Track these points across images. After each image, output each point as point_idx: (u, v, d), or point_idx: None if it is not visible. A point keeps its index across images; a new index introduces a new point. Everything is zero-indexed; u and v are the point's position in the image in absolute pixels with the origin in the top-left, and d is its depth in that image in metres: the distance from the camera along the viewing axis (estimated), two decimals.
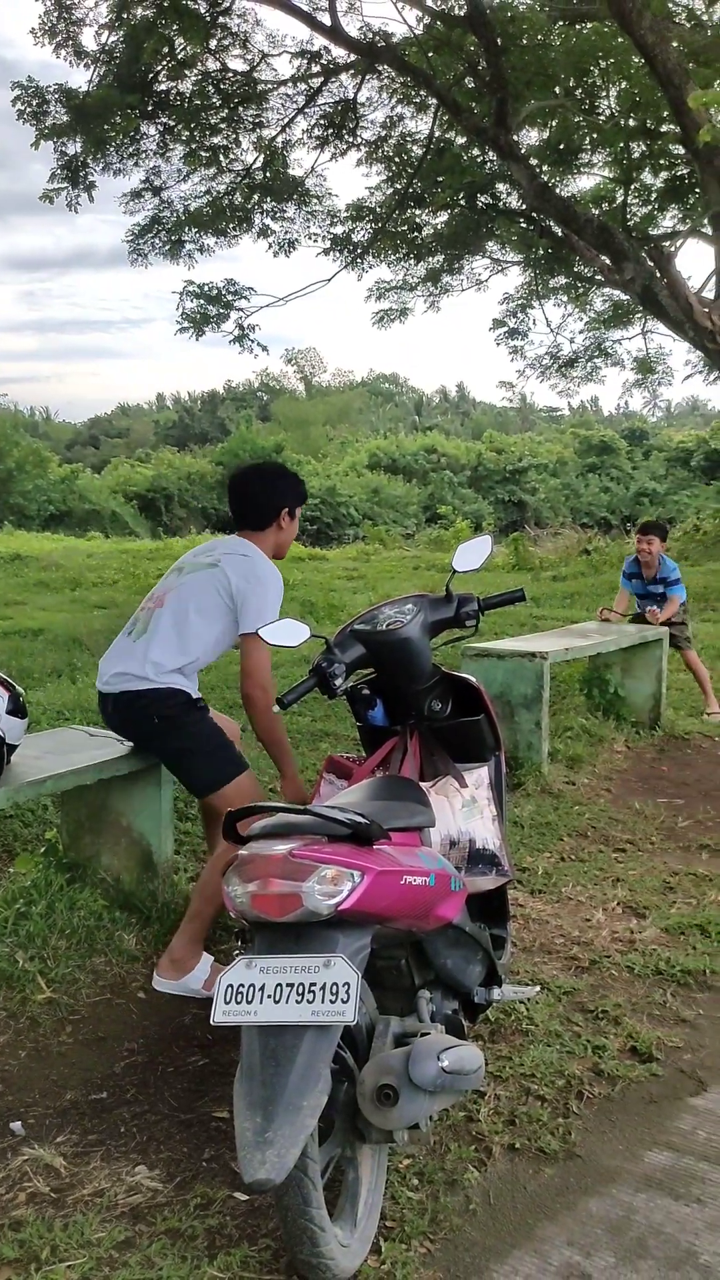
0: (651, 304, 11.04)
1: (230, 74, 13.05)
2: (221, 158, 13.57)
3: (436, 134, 13.62)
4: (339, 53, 12.79)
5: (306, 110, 13.50)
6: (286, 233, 14.35)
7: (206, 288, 13.79)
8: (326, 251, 14.61)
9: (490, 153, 12.70)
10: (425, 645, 3.02)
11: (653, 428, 51.70)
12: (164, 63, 12.30)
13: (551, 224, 13.11)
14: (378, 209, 14.54)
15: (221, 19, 12.34)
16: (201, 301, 13.78)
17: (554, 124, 13.41)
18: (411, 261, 15.58)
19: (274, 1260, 2.25)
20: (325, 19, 11.93)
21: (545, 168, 13.59)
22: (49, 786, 3.51)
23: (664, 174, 14.07)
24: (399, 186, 14.23)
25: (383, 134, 14.02)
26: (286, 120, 13.54)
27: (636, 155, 13.31)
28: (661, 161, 13.68)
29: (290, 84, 13.26)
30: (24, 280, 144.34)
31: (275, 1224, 2.32)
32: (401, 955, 2.55)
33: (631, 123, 12.90)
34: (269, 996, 2.08)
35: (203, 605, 3.49)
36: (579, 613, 10.82)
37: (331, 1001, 2.06)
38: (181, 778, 3.66)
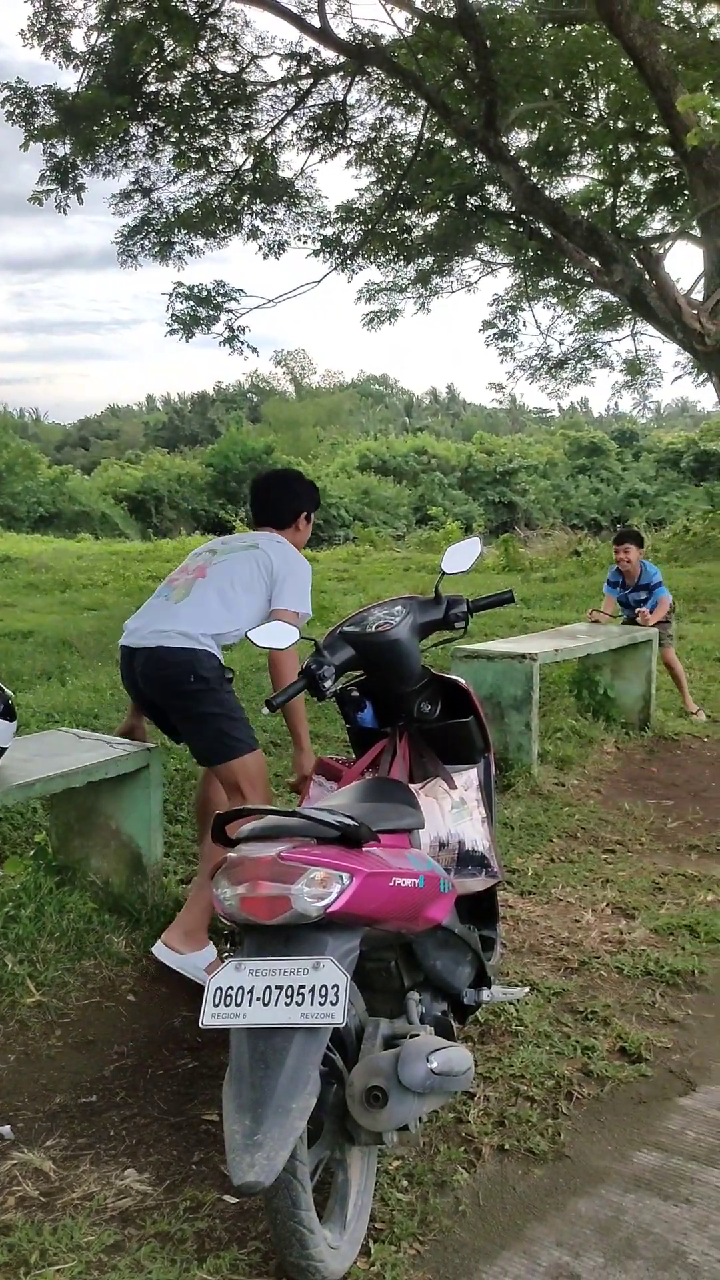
0: (640, 306, 11.08)
1: (220, 75, 13.06)
2: (211, 159, 13.58)
3: (426, 136, 13.65)
4: (328, 54, 12.81)
5: (296, 112, 13.52)
6: (276, 234, 14.38)
7: (196, 289, 13.80)
8: (316, 253, 14.63)
9: (479, 155, 12.73)
10: (414, 647, 3.03)
11: (642, 429, 51.81)
12: (153, 64, 12.31)
13: (541, 226, 13.14)
14: (367, 210, 14.56)
15: (211, 20, 12.35)
16: (191, 303, 13.78)
17: (543, 126, 13.45)
18: (401, 263, 15.61)
19: (263, 1263, 2.25)
20: (314, 21, 11.95)
21: (534, 170, 13.63)
22: (38, 789, 3.50)
23: (653, 176, 14.13)
24: (389, 188, 14.25)
25: (372, 136, 14.05)
26: (276, 122, 13.56)
27: (625, 157, 13.37)
28: (650, 163, 13.74)
29: (280, 86, 13.28)
30: (14, 281, 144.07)
31: (265, 1226, 2.32)
32: (391, 957, 2.55)
33: (620, 125, 12.95)
34: (258, 999, 2.08)
35: (246, 581, 3.64)
36: (569, 614, 10.83)
37: (320, 1004, 2.06)
38: (200, 742, 3.60)
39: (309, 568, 3.76)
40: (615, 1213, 2.46)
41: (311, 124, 13.70)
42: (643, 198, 14.60)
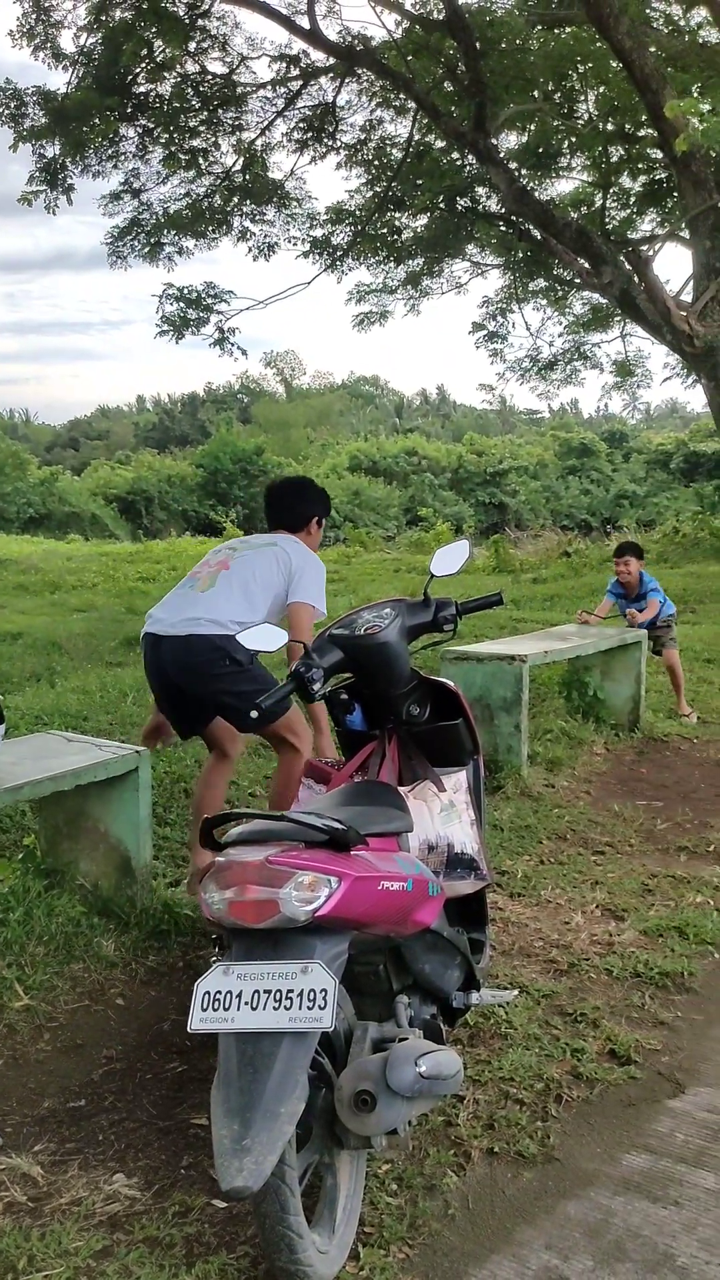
0: (630, 307, 11.10)
1: (209, 77, 13.05)
2: (201, 160, 13.57)
3: (416, 137, 13.65)
4: (318, 56, 12.81)
5: (286, 113, 13.52)
6: (266, 236, 14.37)
7: (186, 291, 13.77)
8: (306, 254, 14.62)
9: (469, 156, 12.73)
10: (403, 650, 3.02)
11: (632, 430, 51.91)
12: (143, 65, 12.29)
13: (530, 227, 13.15)
14: (357, 212, 14.57)
15: (200, 22, 12.34)
16: (181, 305, 13.76)
17: (533, 128, 13.48)
18: (391, 264, 15.61)
19: (252, 1268, 2.25)
20: (304, 22, 11.95)
21: (524, 171, 13.65)
22: (26, 793, 3.49)
23: (642, 178, 14.17)
24: (379, 190, 14.26)
25: (362, 137, 14.06)
26: (266, 123, 13.55)
27: (615, 159, 13.40)
28: (640, 165, 13.77)
29: (269, 87, 13.27)
30: (3, 282, 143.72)
31: (253, 1231, 2.31)
32: (379, 960, 2.55)
33: (610, 127, 12.98)
34: (246, 1003, 2.08)
35: (265, 577, 3.86)
36: (559, 615, 10.85)
37: (309, 1008, 2.06)
38: (242, 716, 3.70)
39: (324, 567, 3.99)
40: (604, 1215, 2.46)
41: (301, 125, 13.70)
42: (632, 200, 14.63)
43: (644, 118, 11.67)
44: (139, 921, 3.77)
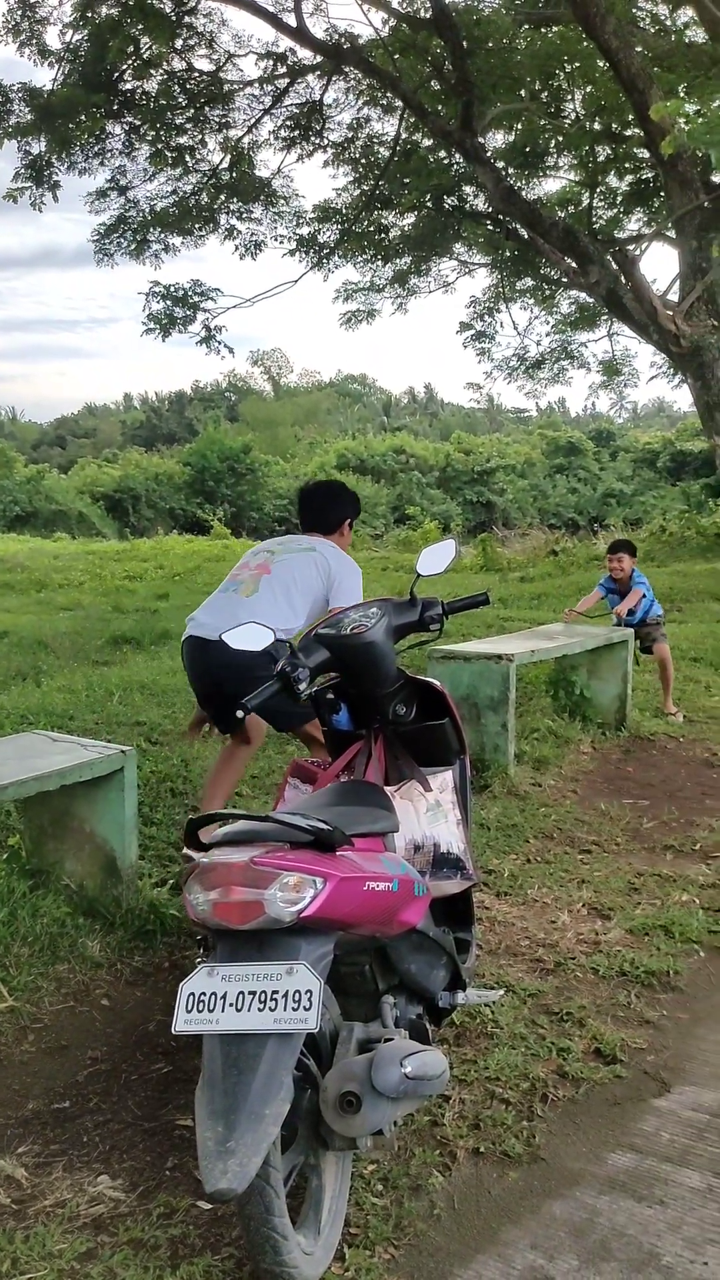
0: (616, 307, 11.12)
1: (196, 74, 13.01)
2: (188, 158, 13.54)
3: (403, 136, 13.65)
4: (305, 54, 12.79)
5: (273, 111, 13.50)
6: (253, 234, 14.35)
7: (173, 289, 13.74)
8: (292, 252, 14.60)
9: (456, 155, 12.73)
10: (389, 649, 3.02)
11: (619, 429, 52.05)
12: (129, 62, 12.25)
13: (518, 227, 13.16)
14: (344, 210, 14.56)
15: (187, 19, 12.30)
16: (168, 302, 13.73)
17: (520, 127, 13.49)
18: (379, 263, 15.61)
19: (237, 1269, 2.24)
20: (290, 20, 11.93)
21: (511, 170, 13.66)
22: (11, 793, 3.47)
23: (629, 177, 14.19)
24: (366, 188, 14.25)
25: (349, 136, 14.04)
26: (253, 121, 13.53)
27: (602, 159, 13.42)
28: (626, 165, 13.80)
29: (257, 85, 13.25)
30: None
31: (238, 1233, 2.30)
32: (365, 961, 2.54)
33: (597, 126, 13.00)
34: (231, 1005, 2.07)
35: (306, 581, 3.97)
36: (546, 614, 10.86)
37: (294, 1009, 2.05)
38: (282, 718, 3.96)
39: (360, 570, 4.09)
40: (589, 1215, 2.46)
41: (288, 123, 13.69)
42: (619, 199, 14.66)
43: (631, 117, 11.68)
44: (124, 922, 3.76)
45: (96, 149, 13.03)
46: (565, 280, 13.29)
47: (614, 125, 12.97)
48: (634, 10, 11.21)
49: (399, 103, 12.69)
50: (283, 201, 14.22)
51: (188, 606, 12.76)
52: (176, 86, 12.99)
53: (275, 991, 2.07)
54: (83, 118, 12.24)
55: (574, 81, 12.76)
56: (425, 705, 3.10)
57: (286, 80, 13.22)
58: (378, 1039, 2.34)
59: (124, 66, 12.33)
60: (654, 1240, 2.37)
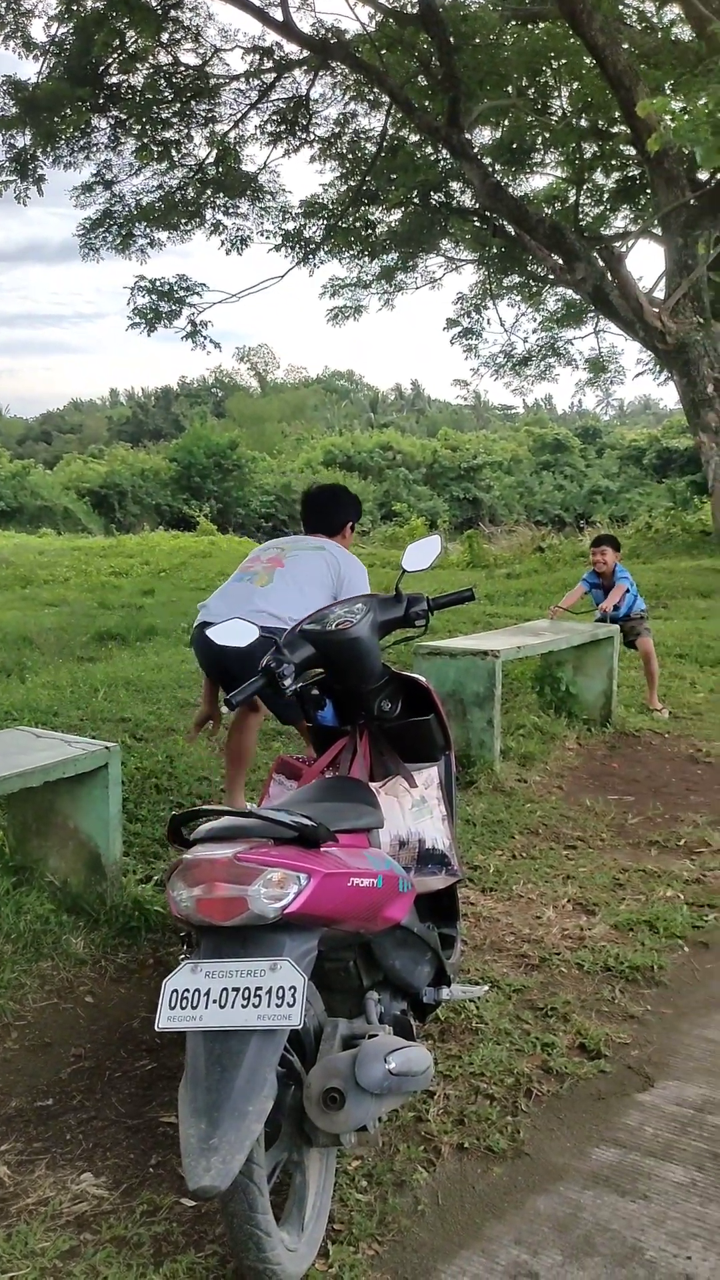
0: (603, 304, 11.14)
1: (182, 68, 12.96)
2: (173, 152, 13.49)
3: (390, 132, 13.63)
4: (292, 49, 12.75)
5: (259, 106, 13.45)
6: (239, 229, 14.31)
7: (158, 283, 13.70)
8: (278, 247, 14.57)
9: (443, 151, 12.72)
10: (375, 645, 3.01)
11: (605, 426, 52.18)
12: (115, 55, 12.20)
13: (504, 223, 13.16)
14: (331, 206, 14.53)
15: (173, 12, 12.25)
16: (153, 297, 13.68)
17: (506, 123, 13.49)
18: (365, 259, 15.59)
19: (220, 1266, 2.24)
20: (277, 14, 11.89)
21: (498, 167, 13.66)
22: None
23: (615, 174, 14.21)
24: (353, 184, 14.22)
25: (336, 131, 14.02)
26: (239, 115, 13.49)
27: (588, 155, 13.43)
28: (613, 162, 13.82)
29: (243, 79, 13.21)
30: None
31: (222, 1229, 2.30)
32: (349, 957, 2.54)
33: (583, 123, 13.00)
34: (214, 1001, 2.06)
35: (318, 577, 4.12)
36: (532, 610, 10.88)
37: (278, 1005, 2.04)
38: (289, 709, 3.86)
39: (365, 569, 4.25)
40: (573, 1210, 2.46)
41: (275, 118, 13.65)
42: (605, 196, 14.68)
43: (617, 114, 11.69)
44: (109, 918, 3.75)
45: (82, 143, 12.97)
46: (552, 277, 13.30)
47: (600, 122, 12.98)
48: (620, 7, 11.22)
49: (386, 98, 12.67)
50: (269, 196, 14.19)
51: (174, 603, 12.77)
52: (162, 80, 12.93)
53: (259, 988, 2.06)
54: (68, 111, 12.18)
55: (561, 78, 12.77)
56: (411, 701, 3.10)
57: (273, 75, 13.18)
58: (362, 1035, 2.34)
59: (109, 60, 12.28)
60: (637, 1235, 2.37)
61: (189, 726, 4.68)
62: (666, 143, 7.95)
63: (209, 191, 13.90)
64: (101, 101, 12.64)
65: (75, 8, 11.78)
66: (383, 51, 12.03)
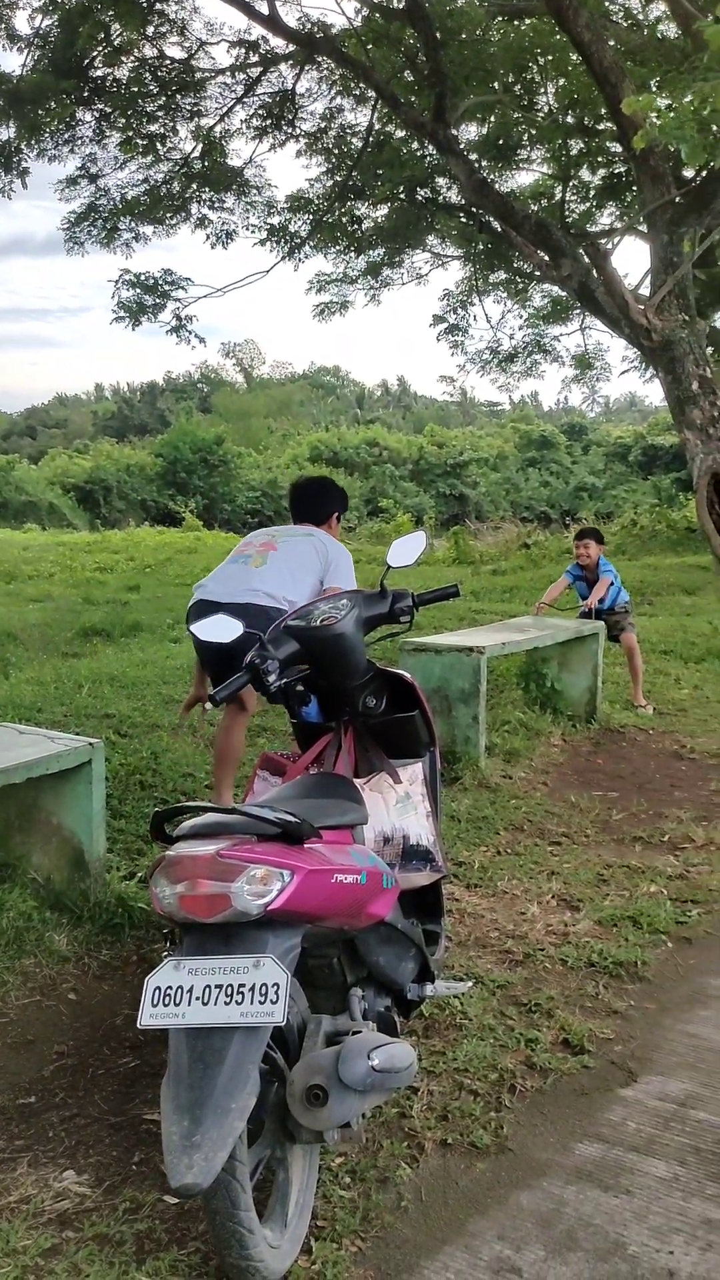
0: (589, 300, 11.12)
1: (168, 61, 12.88)
2: (159, 146, 13.39)
3: (376, 127, 13.58)
4: (277, 43, 12.68)
5: (245, 100, 13.38)
6: (224, 224, 14.23)
7: (143, 277, 13.62)
8: (263, 241, 14.51)
9: (429, 147, 12.69)
10: (359, 641, 3.01)
11: (591, 423, 52.25)
12: (100, 48, 12.09)
13: (491, 219, 13.14)
14: (317, 201, 14.48)
15: (159, 5, 12.17)
16: (138, 291, 13.61)
17: (493, 119, 13.45)
18: (351, 254, 15.54)
19: (203, 1264, 2.23)
20: (263, 8, 11.82)
21: (484, 163, 13.63)
22: None
23: (602, 171, 14.19)
24: (338, 179, 14.17)
25: (322, 125, 13.95)
26: (225, 110, 13.41)
27: (574, 152, 13.41)
28: (599, 159, 13.79)
29: (229, 73, 13.13)
30: None
31: (205, 1227, 2.29)
32: (333, 953, 2.53)
33: (569, 120, 12.98)
34: (197, 998, 2.06)
35: (308, 562, 4.28)
36: (518, 607, 10.89)
37: (261, 1002, 2.04)
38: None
39: (350, 556, 4.42)
40: (556, 1205, 2.47)
41: (260, 112, 13.57)
42: (591, 193, 14.66)
43: (603, 111, 11.68)
44: (92, 915, 3.73)
45: (66, 136, 12.85)
46: (538, 273, 13.29)
47: (586, 119, 12.95)
48: (607, 4, 11.21)
49: (372, 93, 12.63)
50: (255, 191, 14.11)
51: (159, 598, 12.74)
52: (148, 74, 12.84)
53: (242, 985, 2.05)
54: (52, 104, 12.07)
55: (547, 74, 12.73)
56: (395, 697, 3.10)
57: (259, 69, 13.11)
58: (345, 1032, 2.33)
59: (94, 53, 12.17)
60: (620, 1230, 2.38)
61: (180, 710, 4.79)
62: (652, 140, 7.93)
63: (194, 186, 13.82)
64: (86, 94, 12.53)
65: (60, 0, 11.70)
66: (369, 46, 11.98)
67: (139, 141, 13.12)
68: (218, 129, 13.56)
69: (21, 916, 3.61)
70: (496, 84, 12.57)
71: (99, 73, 12.60)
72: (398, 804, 2.95)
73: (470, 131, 13.95)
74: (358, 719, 3.03)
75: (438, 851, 2.98)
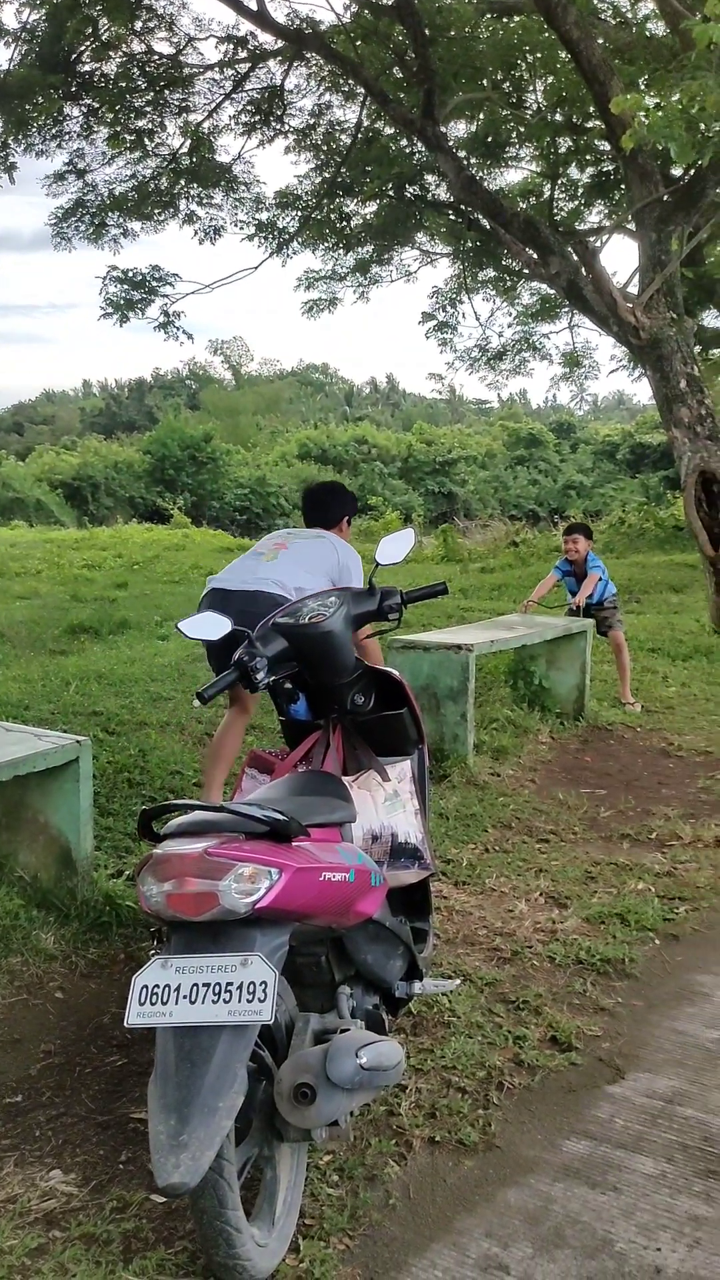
0: (577, 298, 11.14)
1: (156, 57, 12.83)
2: (147, 141, 13.34)
3: (365, 123, 13.56)
4: (266, 39, 12.65)
5: (233, 96, 13.35)
6: (213, 220, 14.20)
7: (131, 273, 13.58)
8: (251, 237, 14.48)
9: (418, 144, 12.68)
10: (348, 639, 3.00)
11: (580, 421, 52.36)
12: (87, 43, 12.05)
13: (479, 217, 13.14)
14: (305, 197, 14.46)
15: (147, 0, 12.12)
16: (126, 287, 13.57)
17: (481, 117, 13.45)
18: (340, 251, 15.52)
19: (191, 1263, 2.23)
20: (251, 3, 11.80)
21: (473, 160, 13.64)
22: None
23: (590, 169, 14.20)
24: (327, 175, 14.16)
25: (311, 122, 13.93)
26: (213, 105, 13.37)
27: (563, 150, 13.42)
28: (587, 157, 13.81)
29: (217, 69, 13.09)
30: None
31: (192, 1226, 2.29)
32: (321, 951, 2.53)
33: (558, 118, 12.99)
34: (184, 997, 2.05)
35: (321, 562, 4.41)
36: (506, 604, 10.90)
37: (248, 1001, 2.04)
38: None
39: (360, 558, 4.51)
40: (544, 1202, 2.47)
41: (249, 108, 13.54)
42: (580, 191, 14.67)
43: (592, 109, 11.69)
44: (79, 914, 3.72)
45: (54, 131, 12.80)
46: (526, 271, 13.29)
47: (575, 117, 12.96)
48: (595, 2, 11.22)
49: (361, 90, 12.61)
50: (243, 187, 14.08)
51: (147, 596, 12.71)
52: (136, 69, 12.80)
53: (230, 983, 2.05)
54: (40, 99, 12.02)
55: (535, 72, 12.75)
56: (384, 695, 3.09)
57: (247, 65, 13.08)
58: (333, 1030, 2.33)
59: (82, 48, 12.12)
60: (607, 1227, 2.38)
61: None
62: (641, 139, 7.94)
63: (183, 181, 13.78)
64: (74, 89, 12.48)
65: None
66: (358, 43, 11.97)
67: (127, 137, 13.07)
68: (206, 125, 13.53)
69: (8, 915, 3.59)
70: (485, 81, 12.57)
71: (87, 68, 12.55)
72: (386, 802, 2.95)
73: (459, 129, 13.96)
74: (346, 717, 3.03)
75: (426, 849, 2.98)
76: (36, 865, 3.83)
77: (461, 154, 12.86)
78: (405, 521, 26.46)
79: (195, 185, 13.93)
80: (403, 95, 12.00)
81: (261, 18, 11.86)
